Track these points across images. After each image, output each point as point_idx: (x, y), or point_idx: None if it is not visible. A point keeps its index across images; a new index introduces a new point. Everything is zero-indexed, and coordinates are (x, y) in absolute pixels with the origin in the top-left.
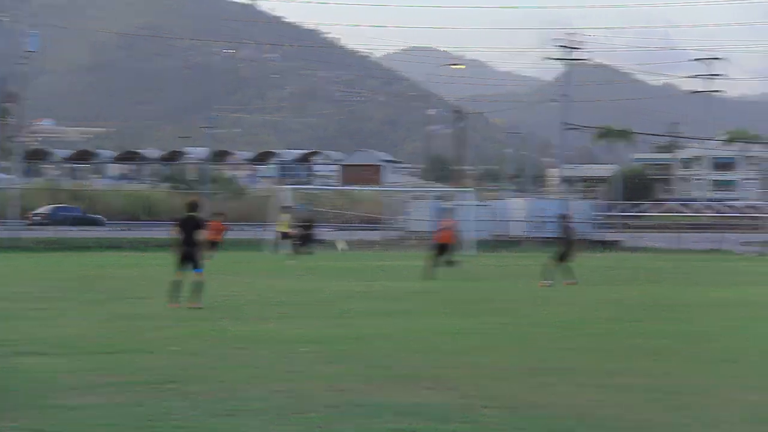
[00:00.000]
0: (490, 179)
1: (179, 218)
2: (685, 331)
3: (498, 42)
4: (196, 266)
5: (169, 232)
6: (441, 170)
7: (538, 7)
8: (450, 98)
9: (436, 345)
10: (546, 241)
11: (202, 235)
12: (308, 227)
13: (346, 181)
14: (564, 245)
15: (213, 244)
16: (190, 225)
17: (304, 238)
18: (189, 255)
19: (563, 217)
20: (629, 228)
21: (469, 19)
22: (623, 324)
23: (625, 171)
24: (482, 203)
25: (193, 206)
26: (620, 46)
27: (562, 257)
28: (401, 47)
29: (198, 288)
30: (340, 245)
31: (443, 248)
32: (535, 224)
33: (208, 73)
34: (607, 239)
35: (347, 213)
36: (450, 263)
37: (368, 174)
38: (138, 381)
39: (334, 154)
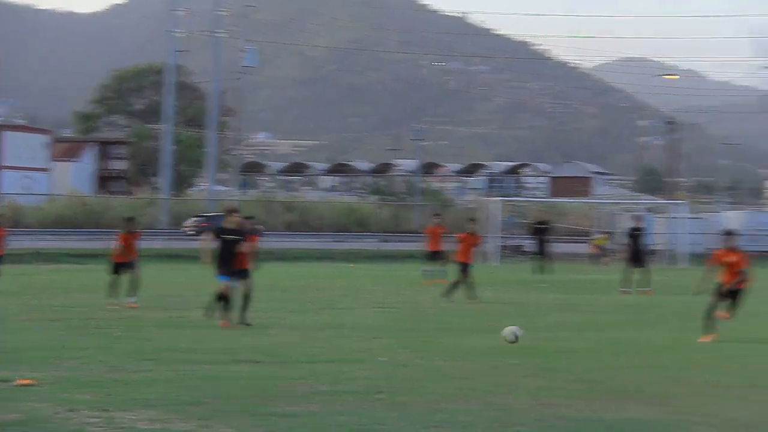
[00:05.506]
0: (704, 191)
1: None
2: None
3: (712, 52)
4: None
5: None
6: (653, 182)
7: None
8: (664, 109)
9: (642, 359)
10: (763, 255)
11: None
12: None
13: (555, 193)
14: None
15: None
16: None
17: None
18: None
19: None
20: None
21: (683, 28)
22: None
23: None
24: (696, 216)
25: None
26: None
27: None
28: (613, 58)
29: None
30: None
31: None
32: (752, 237)
33: (417, 86)
34: None
35: (554, 225)
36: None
37: (577, 186)
38: (348, 390)
39: (543, 166)
